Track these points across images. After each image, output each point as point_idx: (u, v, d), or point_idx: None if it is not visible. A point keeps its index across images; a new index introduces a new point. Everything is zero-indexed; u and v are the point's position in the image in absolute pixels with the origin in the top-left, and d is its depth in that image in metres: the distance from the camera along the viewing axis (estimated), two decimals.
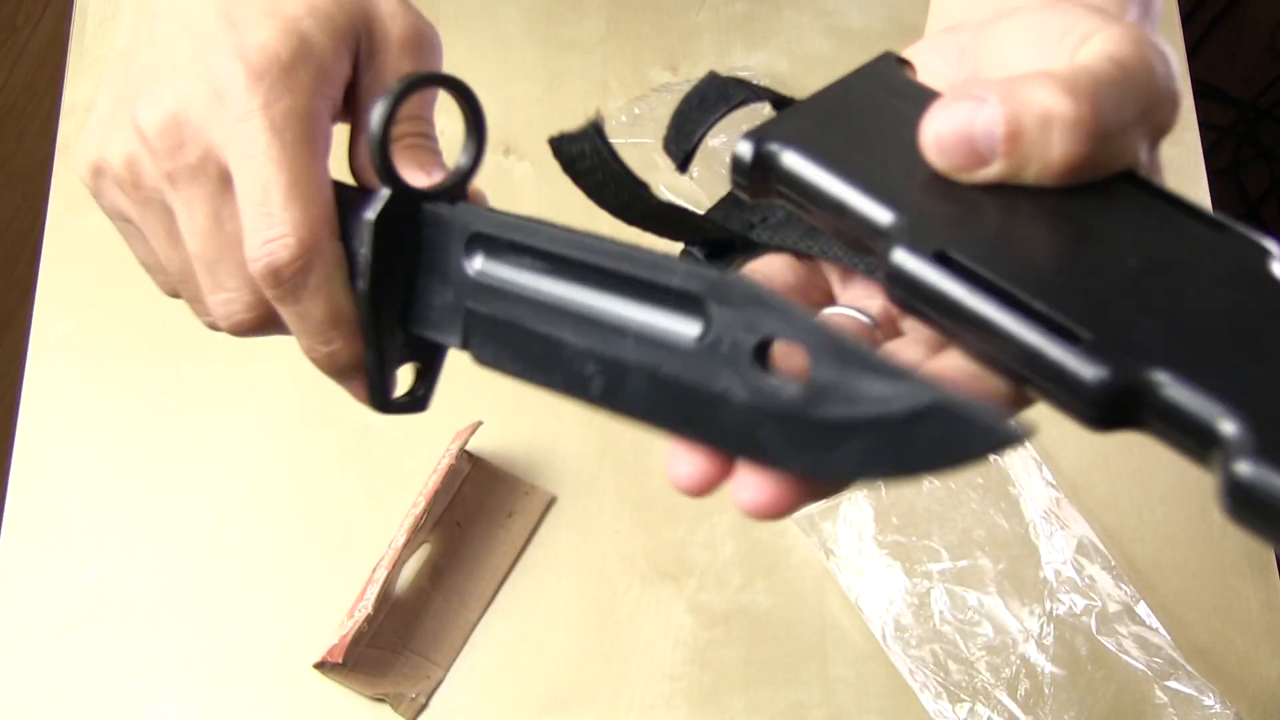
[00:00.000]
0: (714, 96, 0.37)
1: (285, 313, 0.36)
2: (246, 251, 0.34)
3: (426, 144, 0.38)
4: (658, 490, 0.67)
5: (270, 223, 0.34)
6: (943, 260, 0.27)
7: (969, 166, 0.29)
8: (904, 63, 0.34)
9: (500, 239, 0.33)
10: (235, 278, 0.36)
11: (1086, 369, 0.26)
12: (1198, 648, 0.64)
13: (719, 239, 0.37)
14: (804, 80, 0.77)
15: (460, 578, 0.65)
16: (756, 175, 0.31)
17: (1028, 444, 0.67)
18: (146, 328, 0.70)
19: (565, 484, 0.67)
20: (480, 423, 0.66)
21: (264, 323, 0.37)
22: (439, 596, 0.65)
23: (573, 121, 0.34)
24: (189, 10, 0.36)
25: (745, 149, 0.31)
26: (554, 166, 0.35)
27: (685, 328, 0.29)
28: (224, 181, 0.35)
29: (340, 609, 0.63)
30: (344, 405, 0.70)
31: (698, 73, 0.77)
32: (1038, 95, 0.28)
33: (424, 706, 0.63)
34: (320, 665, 0.61)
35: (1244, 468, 0.23)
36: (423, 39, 0.38)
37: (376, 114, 0.33)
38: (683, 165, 0.37)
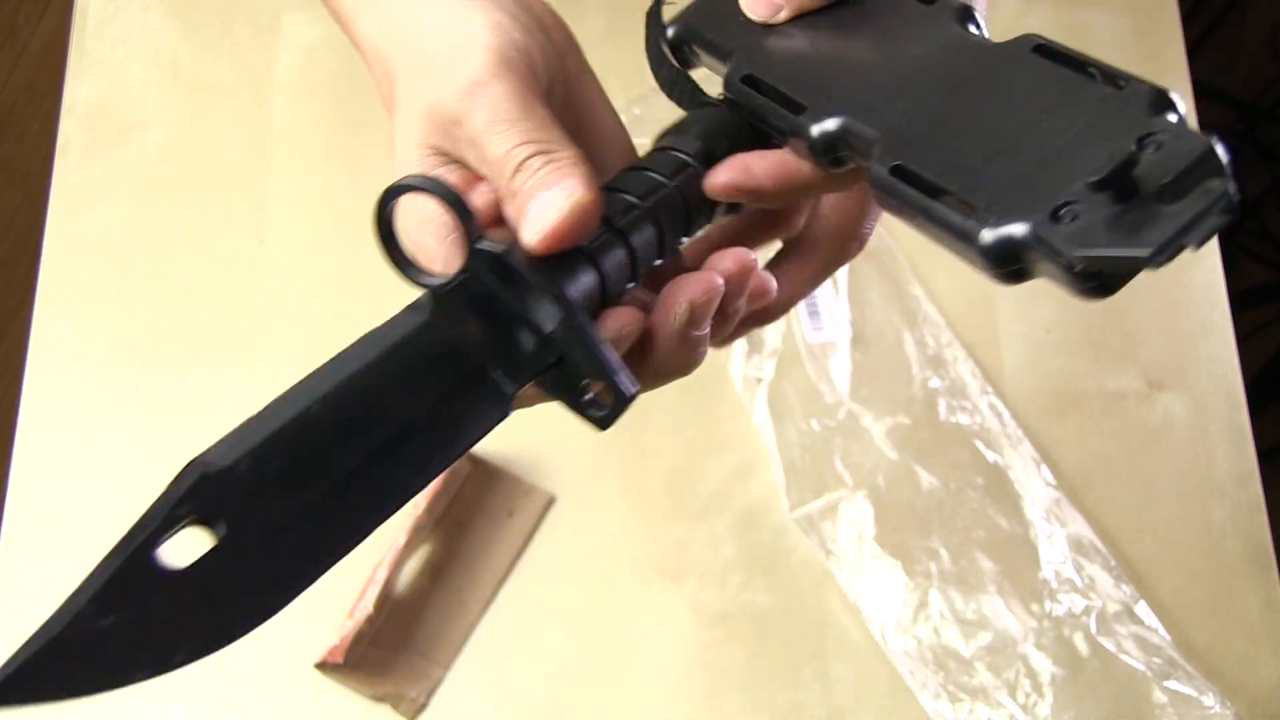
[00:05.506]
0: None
1: None
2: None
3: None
4: (658, 490, 0.67)
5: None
6: (750, 81, 0.37)
7: (773, 10, 0.38)
8: None
9: None
10: None
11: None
12: (1197, 648, 0.64)
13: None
14: None
15: (460, 578, 0.65)
16: (681, 50, 0.41)
17: (1027, 443, 0.67)
18: (146, 328, 0.70)
19: (565, 484, 0.67)
20: None
21: None
22: (439, 596, 0.65)
23: None
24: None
25: (671, 31, 0.41)
26: None
27: None
28: None
29: (340, 609, 0.63)
30: None
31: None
32: None
33: (424, 706, 0.63)
34: (321, 665, 0.61)
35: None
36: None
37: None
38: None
